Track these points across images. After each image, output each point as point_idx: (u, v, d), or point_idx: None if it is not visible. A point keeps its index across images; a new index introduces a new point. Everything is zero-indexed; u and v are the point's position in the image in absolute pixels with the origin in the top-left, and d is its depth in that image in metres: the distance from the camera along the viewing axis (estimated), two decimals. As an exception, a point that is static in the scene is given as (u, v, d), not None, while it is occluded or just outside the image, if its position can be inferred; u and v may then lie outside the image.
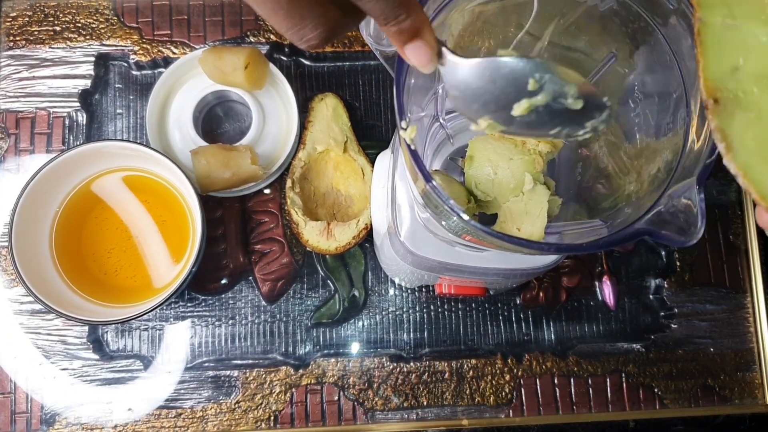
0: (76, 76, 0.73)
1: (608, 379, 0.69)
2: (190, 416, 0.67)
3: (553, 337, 0.70)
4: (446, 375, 0.68)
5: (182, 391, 0.67)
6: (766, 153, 0.33)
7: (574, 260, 0.71)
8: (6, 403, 0.66)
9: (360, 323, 0.70)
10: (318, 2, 0.32)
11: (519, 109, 0.34)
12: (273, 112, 0.71)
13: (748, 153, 0.33)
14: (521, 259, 0.53)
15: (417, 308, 0.70)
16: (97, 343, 0.68)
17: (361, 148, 0.71)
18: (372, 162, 0.68)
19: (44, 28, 0.73)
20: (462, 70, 0.34)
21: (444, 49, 0.35)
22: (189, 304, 0.69)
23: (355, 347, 0.69)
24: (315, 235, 0.67)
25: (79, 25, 0.74)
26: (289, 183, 0.69)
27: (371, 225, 0.65)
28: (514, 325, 0.70)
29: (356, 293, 0.70)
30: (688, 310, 0.71)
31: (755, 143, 0.33)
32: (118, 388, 0.67)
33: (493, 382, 0.68)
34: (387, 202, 0.57)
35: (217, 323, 0.69)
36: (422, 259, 0.53)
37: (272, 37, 0.74)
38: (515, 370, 0.69)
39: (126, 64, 0.73)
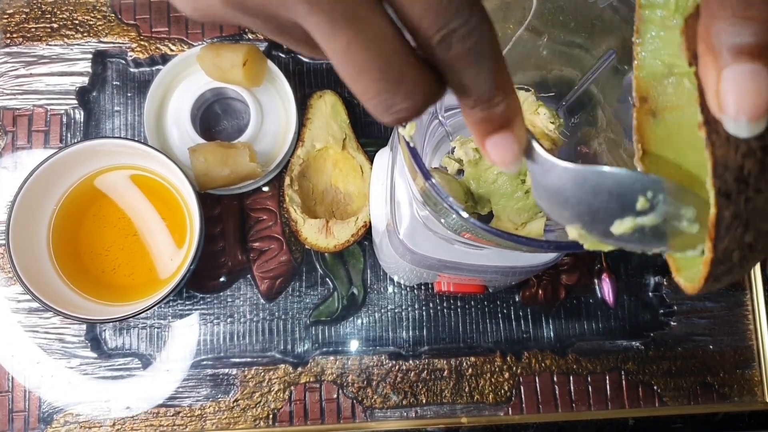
0: (73, 74, 0.72)
1: (607, 377, 0.69)
2: (189, 414, 0.66)
3: (552, 334, 0.70)
4: (445, 373, 0.68)
5: (181, 390, 0.67)
6: (669, 155, 0.31)
7: (574, 258, 0.71)
8: (4, 402, 0.66)
9: (359, 321, 0.69)
10: (416, 65, 0.24)
11: (621, 227, 0.28)
12: (271, 109, 0.71)
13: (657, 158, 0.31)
14: (520, 257, 0.53)
15: (416, 306, 0.70)
16: (95, 341, 0.68)
17: (360, 145, 0.71)
18: (371, 159, 0.68)
19: (41, 25, 0.73)
20: (555, 172, 0.29)
21: (535, 144, 0.29)
22: (187, 302, 0.69)
23: (354, 345, 0.69)
24: (314, 233, 0.67)
25: (77, 22, 0.73)
26: (287, 180, 0.69)
27: (370, 223, 0.65)
28: (513, 322, 0.70)
29: (355, 291, 0.70)
30: (687, 307, 0.71)
31: (660, 145, 0.31)
32: (116, 387, 0.67)
33: (492, 379, 0.68)
34: (386, 200, 0.57)
35: (215, 321, 0.69)
36: (421, 256, 0.53)
37: (270, 34, 0.74)
38: (514, 368, 0.69)
39: (123, 62, 0.73)
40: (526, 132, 0.28)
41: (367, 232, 0.67)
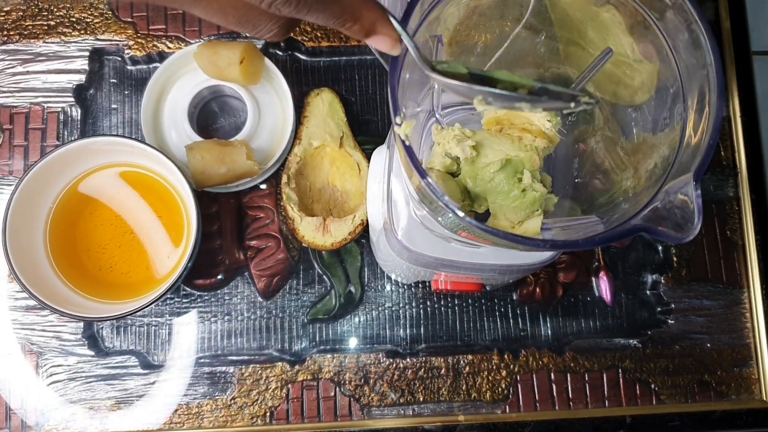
0: (70, 71, 0.72)
1: (605, 375, 0.69)
2: (186, 412, 0.66)
3: (549, 332, 0.70)
4: (442, 371, 0.68)
5: (178, 388, 0.67)
6: None
7: (571, 256, 0.71)
8: (0, 400, 0.66)
9: (356, 319, 0.69)
10: (264, 12, 0.35)
11: (478, 105, 0.37)
12: (268, 107, 0.71)
13: None
14: (517, 255, 0.53)
15: (413, 304, 0.70)
16: (92, 339, 0.68)
17: (357, 143, 0.70)
18: (368, 158, 0.68)
19: (38, 23, 0.73)
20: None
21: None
22: (184, 300, 0.69)
23: (351, 343, 0.69)
24: (311, 231, 0.67)
25: (74, 19, 0.73)
26: (284, 179, 0.69)
27: (367, 221, 0.65)
28: (511, 320, 0.70)
29: (352, 289, 0.70)
30: (684, 305, 0.71)
31: None
32: (113, 385, 0.67)
33: (490, 378, 0.68)
34: (383, 198, 0.57)
35: (212, 319, 0.69)
36: (418, 255, 0.53)
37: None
38: (512, 366, 0.69)
39: (121, 59, 0.73)
40: (394, 30, 0.37)
41: (365, 230, 0.67)
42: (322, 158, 0.71)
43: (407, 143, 0.36)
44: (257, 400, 0.67)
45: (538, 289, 0.70)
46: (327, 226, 0.67)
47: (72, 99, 0.72)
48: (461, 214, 0.36)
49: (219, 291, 0.69)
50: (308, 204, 0.70)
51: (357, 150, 0.70)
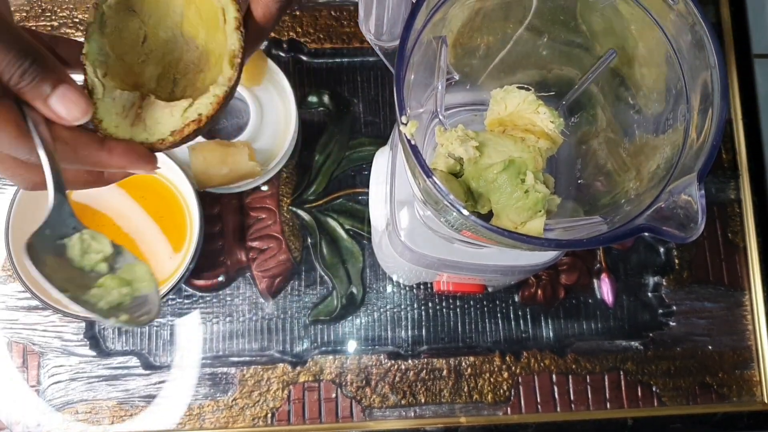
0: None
1: (606, 377, 0.69)
2: (187, 413, 0.66)
3: (551, 334, 0.70)
4: (444, 372, 0.68)
5: (179, 388, 0.67)
6: None
7: (573, 258, 0.71)
8: (2, 400, 0.66)
9: (358, 320, 0.69)
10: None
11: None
12: (271, 108, 0.71)
13: None
14: (519, 256, 0.53)
15: (415, 305, 0.70)
16: (94, 339, 0.68)
17: None
18: (239, 4, 0.39)
19: (41, 24, 0.73)
20: None
21: None
22: (186, 301, 0.69)
23: (352, 344, 0.69)
24: (113, 116, 0.39)
25: (77, 20, 0.73)
26: (91, 13, 0.39)
27: (208, 118, 0.38)
28: (513, 322, 0.70)
29: (354, 290, 0.70)
30: (686, 307, 0.71)
31: None
32: (114, 385, 0.67)
33: (491, 379, 0.68)
34: (386, 200, 0.57)
35: (214, 320, 0.69)
36: (421, 255, 0.53)
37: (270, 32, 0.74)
38: (513, 368, 0.69)
39: (123, 60, 0.73)
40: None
41: (196, 133, 0.39)
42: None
43: (413, 142, 0.37)
44: (258, 401, 0.67)
45: (539, 291, 0.70)
46: (141, 112, 0.39)
47: (75, 100, 0.72)
48: (465, 212, 0.36)
49: (221, 292, 0.69)
50: (134, 64, 0.41)
51: None
